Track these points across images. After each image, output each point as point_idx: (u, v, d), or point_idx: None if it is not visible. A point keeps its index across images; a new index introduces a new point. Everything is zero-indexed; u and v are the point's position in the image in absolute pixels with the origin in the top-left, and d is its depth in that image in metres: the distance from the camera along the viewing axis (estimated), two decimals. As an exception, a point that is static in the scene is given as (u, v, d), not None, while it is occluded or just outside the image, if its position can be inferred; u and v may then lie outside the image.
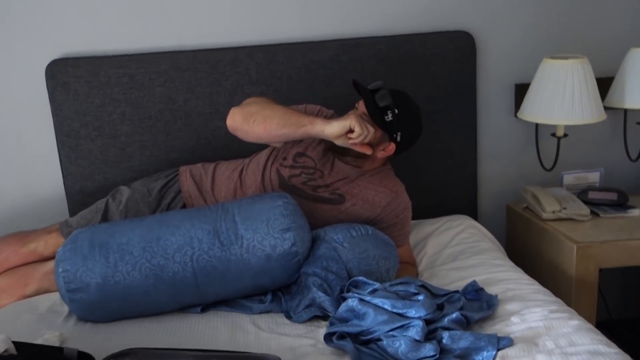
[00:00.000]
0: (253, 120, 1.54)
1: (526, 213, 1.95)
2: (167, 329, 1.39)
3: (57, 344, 1.27)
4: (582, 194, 1.95)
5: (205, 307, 1.48)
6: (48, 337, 1.28)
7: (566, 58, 1.81)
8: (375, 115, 1.55)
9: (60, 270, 1.39)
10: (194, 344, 1.31)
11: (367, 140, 1.50)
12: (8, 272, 1.64)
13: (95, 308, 1.40)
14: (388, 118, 1.55)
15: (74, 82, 1.85)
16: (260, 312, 1.45)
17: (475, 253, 1.71)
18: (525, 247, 1.94)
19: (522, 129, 2.10)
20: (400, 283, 1.37)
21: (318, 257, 1.46)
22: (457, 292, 1.39)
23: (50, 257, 1.61)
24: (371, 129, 1.50)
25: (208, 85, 1.90)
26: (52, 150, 1.93)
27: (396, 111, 1.55)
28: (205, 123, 1.92)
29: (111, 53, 1.88)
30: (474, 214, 2.08)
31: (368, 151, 1.55)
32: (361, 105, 1.60)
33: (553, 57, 1.84)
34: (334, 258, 1.45)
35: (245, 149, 1.92)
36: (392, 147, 1.61)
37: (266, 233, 1.43)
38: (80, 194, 1.90)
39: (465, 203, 2.08)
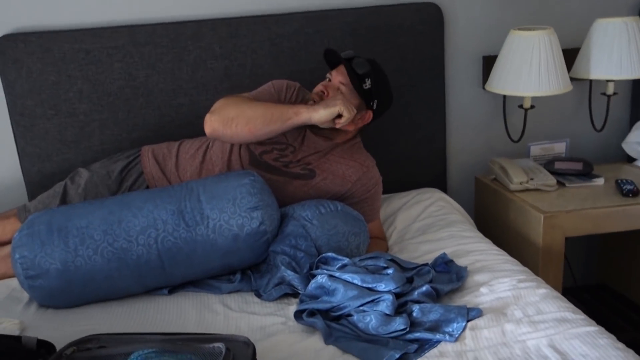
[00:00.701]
0: (235, 125, 1.47)
1: (494, 184, 1.96)
2: (133, 312, 1.35)
3: (16, 333, 1.22)
4: (548, 164, 1.97)
5: (173, 288, 1.45)
6: (6, 326, 1.23)
7: (533, 29, 1.81)
8: (355, 83, 1.54)
9: (17, 256, 1.33)
10: (161, 327, 1.28)
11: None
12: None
13: (56, 294, 1.35)
14: (366, 86, 1.55)
15: (26, 58, 1.76)
16: (230, 292, 1.42)
17: (445, 226, 1.71)
18: (493, 219, 1.96)
19: (490, 101, 2.10)
20: (370, 257, 1.37)
21: (286, 234, 1.44)
22: (426, 264, 1.39)
23: (9, 243, 1.54)
24: (354, 110, 1.49)
25: (169, 61, 1.83)
26: (7, 130, 1.84)
27: (373, 78, 1.56)
28: (167, 100, 1.85)
29: (65, 27, 1.79)
30: (443, 186, 2.08)
31: (351, 128, 1.58)
32: (335, 76, 1.59)
33: (520, 29, 1.83)
34: (302, 235, 1.43)
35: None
36: (369, 116, 1.61)
37: (233, 212, 1.39)
38: (39, 176, 1.83)
39: (434, 176, 2.08)
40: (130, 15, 1.83)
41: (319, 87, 1.62)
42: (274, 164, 1.60)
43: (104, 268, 1.34)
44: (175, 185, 1.49)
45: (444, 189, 2.07)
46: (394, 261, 1.37)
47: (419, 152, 2.04)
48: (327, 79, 1.62)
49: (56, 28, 1.79)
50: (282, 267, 1.37)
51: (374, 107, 1.59)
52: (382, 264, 1.33)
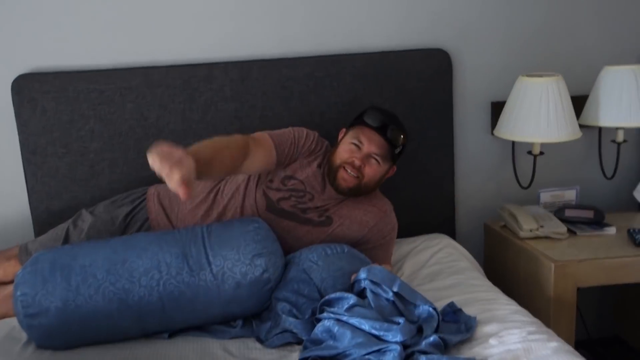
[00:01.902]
0: None
1: (504, 231, 1.93)
2: (132, 356, 1.32)
3: (12, 374, 1.20)
4: (558, 212, 1.95)
5: (173, 332, 1.42)
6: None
7: (541, 76, 1.82)
8: (393, 157, 1.61)
9: (18, 293, 1.32)
10: (161, 371, 1.25)
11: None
12: (-34, 295, 1.56)
13: (55, 334, 1.33)
14: (397, 150, 1.61)
15: (41, 97, 1.79)
16: (231, 338, 1.39)
17: (453, 273, 1.68)
18: (503, 266, 1.92)
19: (499, 146, 2.10)
20: (377, 284, 1.33)
21: (288, 280, 1.42)
22: (432, 306, 1.34)
23: (10, 283, 1.53)
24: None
25: (181, 102, 1.85)
26: (18, 168, 1.86)
27: (403, 137, 1.60)
28: (177, 140, 1.86)
29: (80, 68, 1.83)
30: (451, 232, 2.05)
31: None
32: (368, 146, 1.57)
33: (528, 75, 1.84)
34: (304, 280, 1.41)
35: (219, 167, 1.89)
36: (394, 168, 1.66)
37: (237, 260, 1.38)
38: (46, 213, 1.83)
39: (442, 221, 2.05)
40: (144, 57, 1.86)
41: (352, 158, 1.55)
42: (292, 210, 1.59)
43: (105, 308, 1.32)
44: (181, 229, 1.49)
45: (453, 235, 2.04)
46: (400, 295, 1.33)
47: (427, 197, 2.03)
48: (357, 146, 1.57)
49: (72, 69, 1.83)
50: (283, 316, 1.34)
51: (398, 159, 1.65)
52: (389, 296, 1.30)
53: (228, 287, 1.37)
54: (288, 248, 1.55)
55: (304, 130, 1.66)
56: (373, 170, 1.57)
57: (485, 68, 2.04)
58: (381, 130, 1.57)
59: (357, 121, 1.63)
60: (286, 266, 1.47)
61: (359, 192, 1.60)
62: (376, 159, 1.57)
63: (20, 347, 1.37)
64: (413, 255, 1.83)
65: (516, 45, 2.03)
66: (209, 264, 1.37)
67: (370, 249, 1.61)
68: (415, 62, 1.95)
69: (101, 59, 1.84)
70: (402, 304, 1.32)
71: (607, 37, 2.06)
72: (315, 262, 1.43)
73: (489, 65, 2.04)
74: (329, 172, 1.59)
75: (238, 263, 1.37)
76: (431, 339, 1.21)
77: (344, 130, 1.67)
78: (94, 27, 1.83)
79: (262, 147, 1.53)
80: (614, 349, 2.12)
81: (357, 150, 1.57)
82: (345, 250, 1.48)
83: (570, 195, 2.07)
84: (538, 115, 1.76)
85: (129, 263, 1.35)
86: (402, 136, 1.60)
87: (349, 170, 1.55)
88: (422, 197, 2.02)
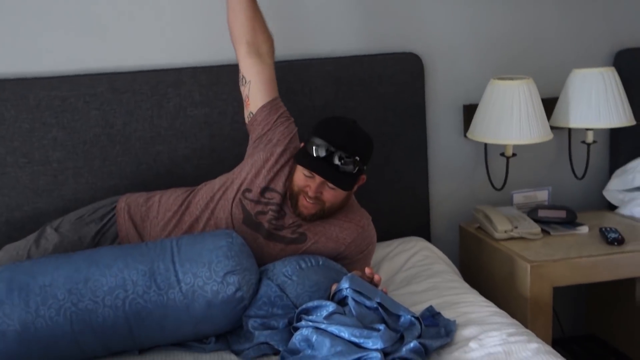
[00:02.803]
0: None
1: (479, 233, 1.93)
2: (101, 374, 1.26)
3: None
4: (531, 212, 1.96)
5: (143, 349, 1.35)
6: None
7: (512, 79, 1.83)
8: (347, 184, 1.44)
9: None
10: (131, 389, 1.19)
11: None
12: None
13: (14, 358, 1.25)
14: (355, 170, 1.43)
15: (0, 104, 1.71)
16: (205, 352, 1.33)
17: (429, 276, 1.67)
18: (478, 268, 1.92)
19: (472, 149, 2.10)
20: (362, 293, 1.29)
21: (259, 297, 1.35)
22: (414, 315, 1.32)
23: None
24: None
25: (149, 108, 1.80)
26: (-25, 179, 1.77)
27: (359, 159, 1.43)
28: (145, 147, 1.81)
29: (41, 74, 1.76)
30: (427, 235, 2.04)
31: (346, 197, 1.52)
32: (318, 176, 1.43)
33: (499, 78, 1.85)
34: (277, 295, 1.35)
35: (190, 175, 1.84)
36: (363, 178, 1.52)
37: (208, 277, 1.30)
38: (7, 225, 1.75)
39: (417, 225, 2.04)
40: (109, 63, 1.80)
41: (304, 187, 1.45)
42: (268, 226, 1.50)
43: (67, 331, 1.24)
44: (149, 242, 1.40)
45: (428, 238, 2.03)
46: (382, 306, 1.29)
47: (401, 201, 2.01)
48: (310, 176, 1.44)
49: (32, 75, 1.75)
50: (256, 332, 1.29)
51: (365, 169, 1.49)
52: (373, 304, 1.27)
53: (198, 307, 1.30)
54: (260, 264, 1.47)
55: (294, 128, 1.61)
56: (332, 195, 1.46)
57: (457, 71, 2.04)
58: (328, 159, 1.41)
59: (307, 141, 1.47)
60: (259, 280, 1.41)
61: (324, 216, 1.50)
62: (332, 187, 1.44)
63: (-21, 370, 1.29)
64: (388, 260, 1.81)
65: (486, 49, 2.04)
66: (178, 282, 1.29)
67: (347, 264, 1.54)
68: (387, 67, 1.94)
69: (64, 65, 1.77)
70: (385, 313, 1.28)
71: (575, 41, 2.10)
72: (289, 276, 1.38)
73: (460, 69, 2.04)
74: (291, 196, 1.50)
75: (209, 281, 1.30)
76: (411, 344, 1.19)
77: (303, 144, 1.51)
78: (56, 31, 1.76)
79: (268, 76, 1.59)
80: (589, 347, 2.13)
81: (311, 179, 1.44)
82: (320, 262, 1.42)
83: (542, 195, 2.09)
84: (510, 117, 1.77)
85: (92, 282, 1.27)
86: (354, 161, 1.41)
87: (307, 198, 1.45)
88: (397, 201, 2.00)
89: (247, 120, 1.65)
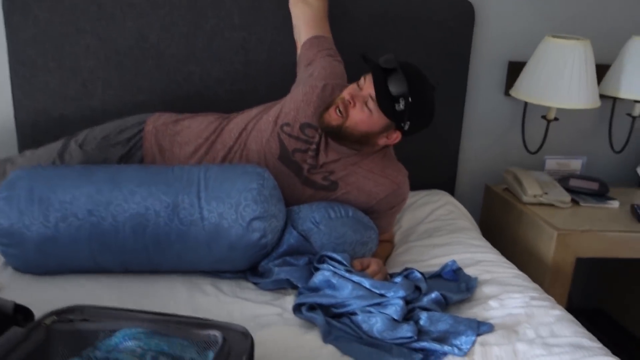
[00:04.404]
0: None
1: (505, 195, 1.89)
2: (118, 283, 1.27)
3: (-8, 292, 1.14)
4: (563, 180, 1.91)
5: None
6: (-17, 284, 1.14)
7: (568, 38, 1.73)
8: (385, 106, 1.32)
9: None
10: (147, 303, 1.20)
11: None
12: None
13: (32, 265, 1.26)
14: (399, 107, 1.32)
15: (34, 4, 1.65)
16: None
17: (452, 231, 1.64)
18: (500, 229, 1.89)
19: (510, 108, 2.03)
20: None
21: (281, 244, 1.32)
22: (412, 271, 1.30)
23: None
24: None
25: (185, 26, 1.73)
26: (4, 79, 1.73)
27: (410, 99, 1.32)
28: (178, 66, 1.76)
29: (79, -24, 1.68)
30: (450, 190, 2.01)
31: (376, 146, 1.44)
32: (367, 87, 1.35)
33: (554, 36, 1.75)
34: (302, 246, 1.31)
35: (220, 99, 1.79)
36: (396, 136, 1.41)
37: (234, 220, 1.25)
38: (32, 129, 1.73)
39: (443, 179, 2.00)
40: (149, -28, 1.72)
41: (346, 93, 1.39)
42: (303, 165, 1.44)
43: (85, 249, 1.24)
44: (175, 168, 1.33)
45: (452, 193, 2.00)
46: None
47: (430, 152, 1.96)
48: (358, 85, 1.38)
49: (69, -24, 1.68)
50: (275, 269, 1.27)
51: (405, 128, 1.38)
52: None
53: (220, 247, 1.27)
54: (287, 204, 1.42)
55: (339, 66, 1.56)
56: (359, 116, 1.35)
57: (507, 24, 1.94)
58: (387, 73, 1.32)
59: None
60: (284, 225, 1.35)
61: (338, 134, 1.38)
62: (368, 106, 1.34)
63: (1, 265, 1.30)
64: (412, 210, 1.79)
65: (543, 4, 1.93)
66: (202, 219, 1.25)
67: (374, 218, 1.48)
68: (436, 11, 1.84)
69: (102, -31, 1.70)
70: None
71: (638, 6, 1.97)
72: (316, 224, 1.33)
73: (512, 22, 1.94)
74: (324, 106, 1.42)
75: (234, 224, 1.25)
76: (432, 295, 1.18)
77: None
78: None
79: (312, 15, 1.57)
80: (596, 321, 2.13)
81: (357, 90, 1.37)
82: (350, 213, 1.37)
83: (575, 164, 2.03)
84: (560, 78, 1.69)
85: (113, 206, 1.24)
86: (405, 86, 1.31)
87: (336, 110, 1.36)
88: (425, 152, 1.95)
89: (297, 63, 1.61)
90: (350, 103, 1.36)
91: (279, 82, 1.79)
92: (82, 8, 1.67)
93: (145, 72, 1.75)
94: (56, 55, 1.69)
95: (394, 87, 1.31)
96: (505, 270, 1.40)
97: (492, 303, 1.23)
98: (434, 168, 1.98)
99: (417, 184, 1.94)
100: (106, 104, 1.75)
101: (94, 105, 1.74)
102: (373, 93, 1.34)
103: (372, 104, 1.35)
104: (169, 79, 1.76)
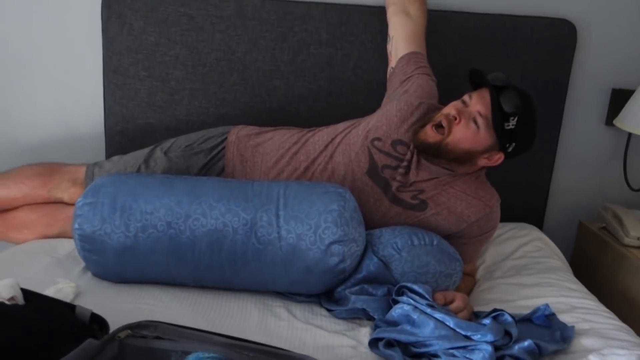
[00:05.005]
0: None
1: (602, 234, 1.72)
2: (192, 299, 1.25)
3: (70, 296, 1.14)
4: (670, 223, 1.72)
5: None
6: (62, 287, 1.15)
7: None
8: (496, 121, 1.28)
9: (76, 226, 1.24)
10: (219, 322, 1.17)
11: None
12: (34, 206, 1.52)
13: (111, 272, 1.26)
14: (509, 126, 1.28)
15: (130, 14, 1.70)
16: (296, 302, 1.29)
17: (542, 271, 1.51)
18: (595, 271, 1.73)
19: (611, 140, 1.86)
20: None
21: (360, 270, 1.25)
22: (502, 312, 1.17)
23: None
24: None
25: (272, 39, 1.72)
26: (98, 85, 1.79)
27: (520, 118, 1.28)
28: (263, 80, 1.75)
29: (177, -11, 1.72)
30: (539, 224, 1.86)
31: (476, 167, 1.41)
32: (475, 103, 1.31)
33: (669, 63, 1.59)
34: (380, 274, 1.24)
35: (302, 115, 1.76)
36: (498, 157, 1.36)
37: (312, 243, 1.20)
38: (120, 135, 1.77)
39: (531, 211, 1.86)
40: (240, -14, 1.73)
41: (451, 109, 1.34)
42: (391, 182, 1.38)
43: (162, 261, 1.23)
44: (255, 184, 1.30)
45: (540, 228, 1.85)
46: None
47: (519, 181, 1.83)
48: (463, 102, 1.34)
49: (166, -12, 1.72)
50: (352, 297, 1.21)
51: (509, 150, 1.33)
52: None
53: (296, 270, 1.22)
54: (368, 225, 1.36)
55: (434, 86, 1.51)
56: (464, 133, 1.30)
57: (614, 48, 1.79)
58: (498, 90, 1.28)
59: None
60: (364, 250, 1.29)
61: (437, 151, 1.33)
62: (477, 123, 1.30)
63: (81, 269, 1.32)
64: (497, 244, 1.67)
65: (655, 27, 1.77)
66: (280, 239, 1.20)
67: (462, 244, 1.40)
68: (535, 31, 1.73)
69: (196, -18, 1.72)
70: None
71: None
72: (398, 250, 1.26)
73: (619, 46, 1.78)
74: (420, 122, 1.36)
75: (313, 247, 1.20)
76: (525, 343, 1.07)
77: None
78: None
79: (411, 30, 1.53)
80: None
81: (462, 106, 1.33)
82: (435, 242, 1.29)
83: (685, 206, 1.83)
84: (675, 110, 1.52)
85: (192, 220, 1.22)
86: (519, 102, 1.27)
87: (435, 127, 1.32)
88: (515, 180, 1.82)
89: (388, 77, 1.57)
90: (455, 119, 1.31)
91: (361, 102, 1.73)
92: (174, 19, 1.70)
93: (230, 84, 1.75)
94: (147, 64, 1.73)
95: (507, 105, 1.28)
96: (606, 320, 1.25)
97: (593, 358, 1.09)
98: (522, 199, 1.85)
99: (503, 216, 1.80)
100: (191, 114, 1.76)
101: (179, 115, 1.76)
102: (482, 110, 1.30)
103: (480, 121, 1.30)
104: (253, 92, 1.75)
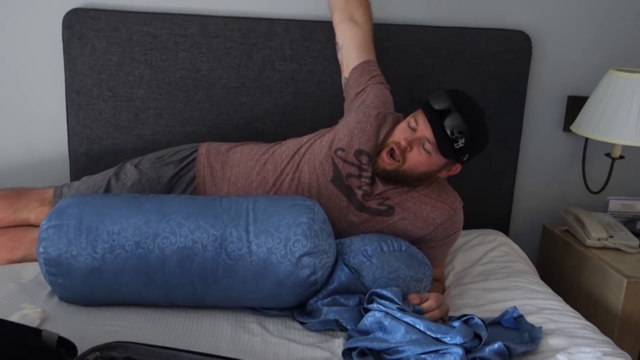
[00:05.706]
0: None
1: (565, 237, 1.78)
2: (163, 319, 1.23)
3: (37, 322, 1.12)
4: (629, 223, 1.79)
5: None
6: (28, 313, 1.12)
7: (634, 72, 1.64)
8: (445, 149, 1.30)
9: (41, 250, 1.21)
10: (191, 340, 1.15)
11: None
12: (-2, 230, 1.49)
13: (78, 296, 1.24)
14: (458, 145, 1.30)
15: (92, 35, 1.69)
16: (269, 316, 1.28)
17: (509, 274, 1.55)
18: (560, 273, 1.77)
19: (570, 145, 1.93)
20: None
21: (332, 281, 1.26)
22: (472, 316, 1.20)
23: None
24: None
25: (237, 57, 1.73)
26: (60, 106, 1.77)
27: (467, 138, 1.30)
28: (229, 97, 1.75)
29: (136, 9, 1.72)
30: (505, 230, 1.91)
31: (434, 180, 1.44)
32: (423, 129, 1.33)
33: (619, 70, 1.67)
34: (352, 283, 1.24)
35: (269, 131, 1.77)
36: (456, 168, 1.40)
37: (283, 256, 1.20)
38: (85, 157, 1.75)
39: (497, 218, 1.91)
40: (203, 4, 1.74)
41: (400, 139, 1.35)
42: (356, 191, 1.40)
43: (131, 282, 1.21)
44: (223, 200, 1.30)
45: (506, 233, 1.90)
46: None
47: (483, 189, 1.88)
48: (411, 128, 1.34)
49: (127, 8, 1.72)
50: (324, 309, 1.21)
51: (464, 159, 1.36)
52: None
53: (268, 284, 1.22)
54: (338, 232, 1.38)
55: (389, 94, 1.54)
56: (418, 159, 1.34)
57: (567, 57, 1.86)
58: (442, 115, 1.30)
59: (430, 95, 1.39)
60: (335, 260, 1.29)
61: (396, 178, 1.37)
62: (426, 149, 1.32)
63: (47, 293, 1.29)
64: (465, 250, 1.70)
65: (606, 36, 1.85)
66: (250, 254, 1.20)
67: (430, 248, 1.43)
68: (491, 43, 1.79)
69: (158, 2, 1.73)
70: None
71: None
72: (369, 257, 1.27)
73: (572, 55, 1.86)
74: (376, 150, 1.40)
75: (284, 260, 1.20)
76: (495, 345, 1.09)
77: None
78: (154, -34, 1.72)
79: (361, 39, 1.54)
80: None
81: (411, 132, 1.35)
82: (404, 247, 1.31)
83: (642, 206, 1.90)
84: (627, 114, 1.59)
85: (160, 238, 1.21)
86: (465, 127, 1.28)
87: (389, 155, 1.35)
88: (479, 189, 1.87)
89: (343, 87, 1.59)
90: (407, 149, 1.34)
91: (327, 116, 1.76)
92: (137, 38, 1.70)
93: (195, 102, 1.75)
94: (111, 84, 1.72)
95: (452, 129, 1.29)
96: (572, 320, 1.29)
97: (560, 357, 1.12)
98: (487, 206, 1.89)
99: (469, 223, 1.84)
100: (157, 133, 1.75)
101: (145, 135, 1.75)
102: (429, 136, 1.32)
103: (429, 147, 1.33)
104: (219, 109, 1.76)
